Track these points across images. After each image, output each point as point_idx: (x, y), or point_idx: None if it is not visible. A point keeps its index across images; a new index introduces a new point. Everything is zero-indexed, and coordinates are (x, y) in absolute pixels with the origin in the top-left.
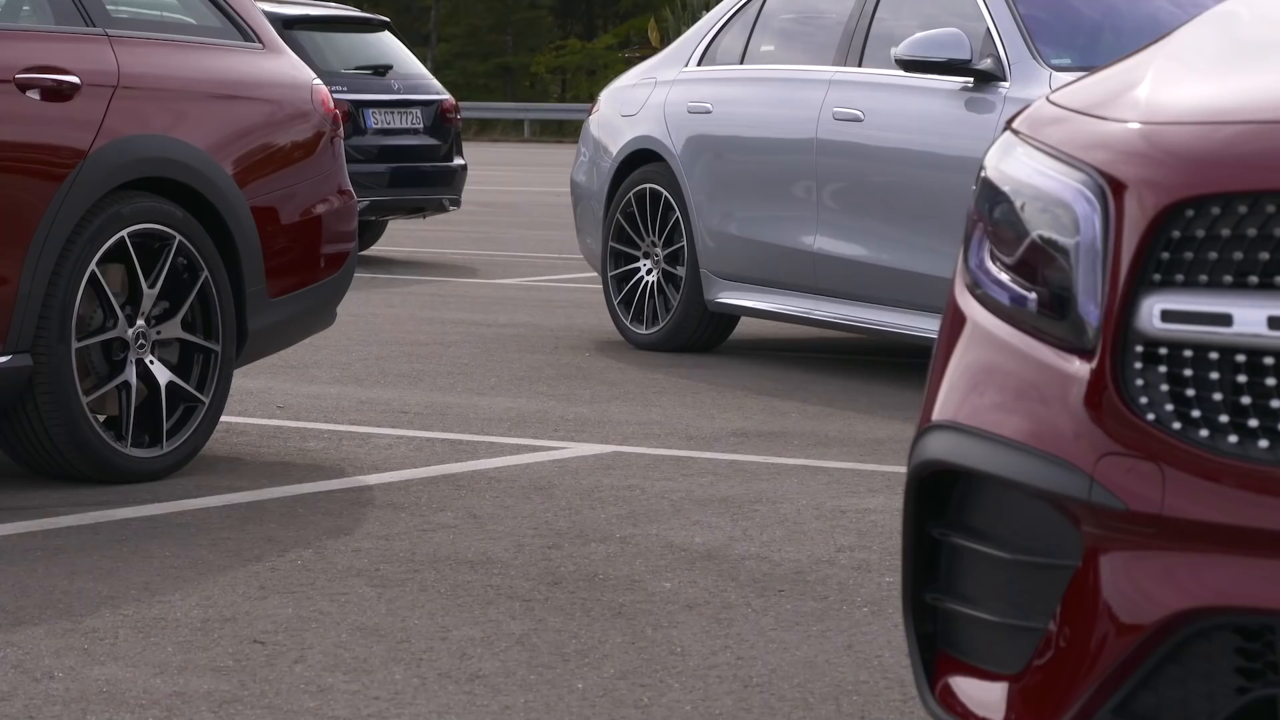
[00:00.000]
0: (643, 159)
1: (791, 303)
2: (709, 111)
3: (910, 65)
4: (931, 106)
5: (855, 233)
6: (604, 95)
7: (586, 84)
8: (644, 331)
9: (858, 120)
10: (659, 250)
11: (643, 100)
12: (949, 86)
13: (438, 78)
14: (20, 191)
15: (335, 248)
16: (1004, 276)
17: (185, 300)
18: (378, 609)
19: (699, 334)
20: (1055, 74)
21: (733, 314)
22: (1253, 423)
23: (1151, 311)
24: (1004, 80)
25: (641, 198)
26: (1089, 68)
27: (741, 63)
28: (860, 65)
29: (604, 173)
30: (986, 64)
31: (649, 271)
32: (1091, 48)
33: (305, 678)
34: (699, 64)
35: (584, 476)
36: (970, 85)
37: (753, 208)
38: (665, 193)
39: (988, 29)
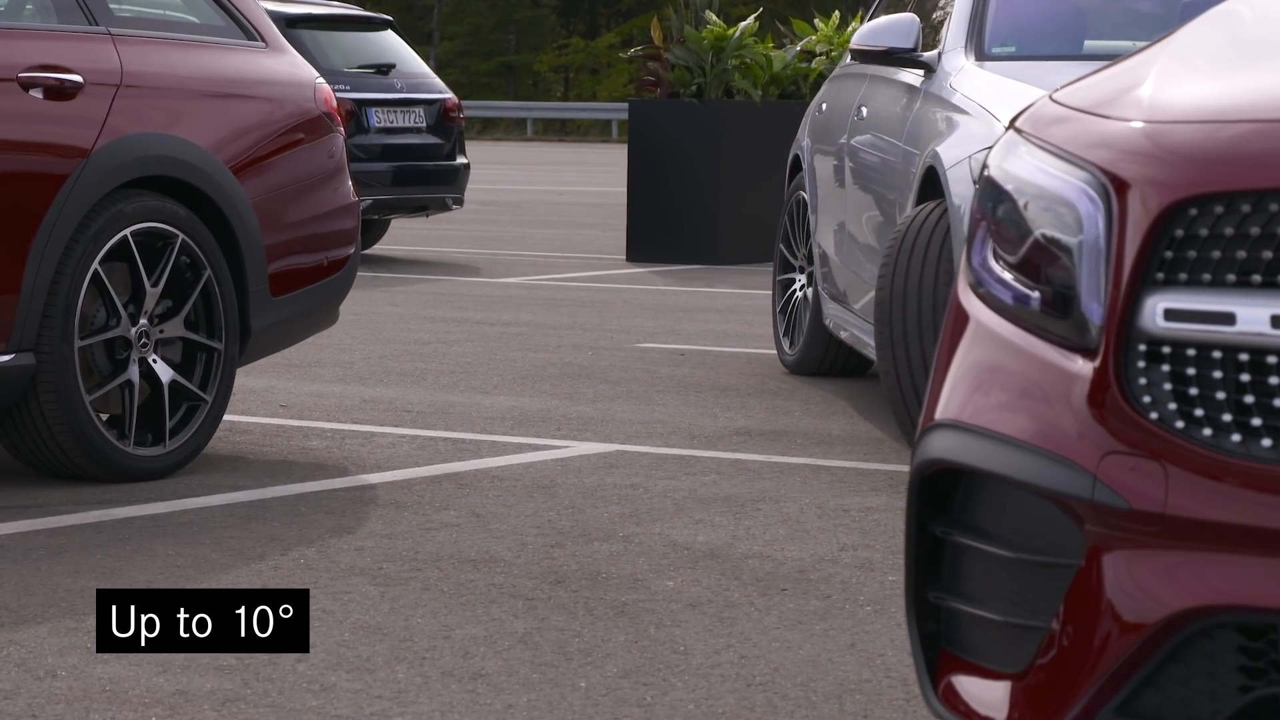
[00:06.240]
0: (799, 166)
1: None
2: (824, 111)
3: (860, 55)
4: (888, 101)
5: (844, 242)
6: None
7: (589, 83)
8: (790, 351)
9: (862, 118)
10: (805, 263)
11: (816, 102)
12: (911, 79)
13: (440, 76)
14: (23, 190)
15: (338, 247)
16: (1007, 275)
17: (188, 299)
18: (380, 608)
19: (828, 359)
20: (972, 65)
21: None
22: (1256, 421)
23: (1155, 310)
24: (935, 70)
25: (790, 208)
26: (1030, 58)
27: None
28: None
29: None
30: (928, 54)
31: (799, 277)
32: (1066, 36)
33: (308, 676)
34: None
35: (587, 475)
36: (922, 77)
37: (826, 213)
38: (806, 198)
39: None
